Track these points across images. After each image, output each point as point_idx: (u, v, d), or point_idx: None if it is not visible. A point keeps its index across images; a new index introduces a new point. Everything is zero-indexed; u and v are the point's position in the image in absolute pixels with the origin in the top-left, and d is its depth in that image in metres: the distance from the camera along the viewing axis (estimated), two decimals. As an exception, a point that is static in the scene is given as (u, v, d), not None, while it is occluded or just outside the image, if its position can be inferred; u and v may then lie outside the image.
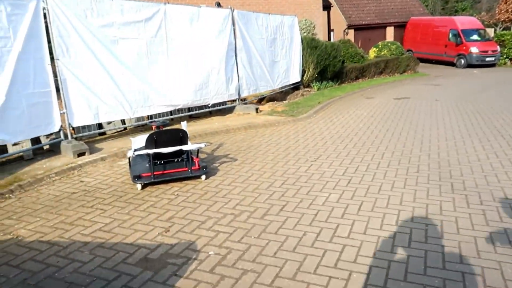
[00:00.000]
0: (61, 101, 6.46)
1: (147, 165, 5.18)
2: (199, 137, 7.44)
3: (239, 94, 9.77)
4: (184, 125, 5.66)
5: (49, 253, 3.47)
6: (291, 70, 12.60)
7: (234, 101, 10.01)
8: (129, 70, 7.22)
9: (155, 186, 4.99)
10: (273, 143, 6.95)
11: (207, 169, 5.24)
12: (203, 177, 5.18)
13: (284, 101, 11.83)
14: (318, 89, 13.72)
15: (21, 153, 6.19)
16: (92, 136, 7.37)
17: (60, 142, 6.47)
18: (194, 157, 5.27)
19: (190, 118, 9.16)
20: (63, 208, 4.44)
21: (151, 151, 4.84)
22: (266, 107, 10.65)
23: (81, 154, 6.26)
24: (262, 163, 5.84)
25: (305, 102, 11.20)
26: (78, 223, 4.05)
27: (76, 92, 6.55)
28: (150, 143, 4.88)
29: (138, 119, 7.91)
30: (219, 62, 9.01)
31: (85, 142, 6.70)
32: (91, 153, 6.38)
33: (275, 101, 11.73)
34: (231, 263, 3.23)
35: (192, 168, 5.13)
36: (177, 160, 5.21)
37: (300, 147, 6.63)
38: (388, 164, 5.60)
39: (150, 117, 8.12)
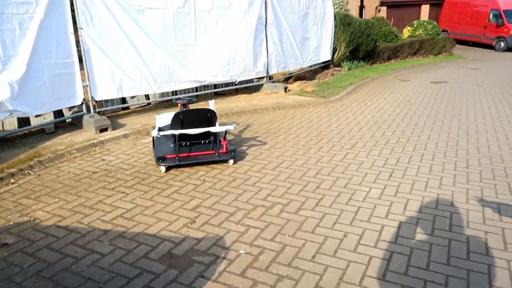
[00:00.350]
0: (83, 73, 6.16)
1: (172, 146, 4.85)
2: (225, 116, 7.06)
3: (267, 72, 9.29)
4: (212, 104, 5.28)
5: (66, 240, 3.20)
6: (321, 48, 11.96)
7: (261, 78, 9.55)
8: (155, 43, 6.83)
9: (180, 169, 4.66)
10: (304, 127, 6.51)
11: (235, 153, 4.87)
12: (231, 161, 4.82)
13: (313, 81, 11.28)
14: (349, 69, 13.06)
15: (42, 126, 5.95)
16: (114, 111, 7.08)
17: (82, 116, 6.20)
18: (222, 140, 4.90)
19: (216, 95, 8.78)
20: (83, 189, 4.17)
21: (177, 132, 4.49)
22: (294, 86, 10.15)
23: (103, 129, 5.98)
24: (294, 148, 5.43)
25: (336, 83, 10.63)
26: (98, 207, 3.77)
27: (99, 63, 6.22)
28: (176, 123, 4.53)
29: (163, 94, 7.57)
30: (248, 37, 8.51)
31: (107, 117, 6.42)
32: (113, 128, 6.09)
33: (304, 80, 11.19)
34: (264, 266, 2.88)
35: (220, 151, 4.77)
36: (204, 142, 4.85)
37: (334, 133, 6.17)
38: (433, 156, 5.11)
39: (174, 93, 7.77)
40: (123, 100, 7.09)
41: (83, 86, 6.09)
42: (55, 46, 5.61)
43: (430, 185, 4.25)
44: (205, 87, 8.15)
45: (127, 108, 7.36)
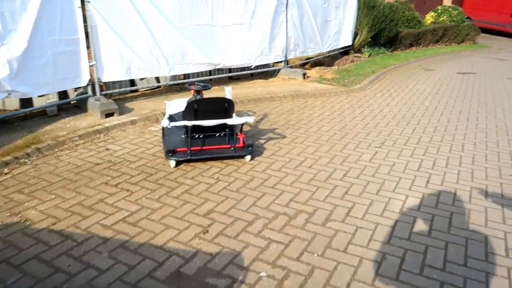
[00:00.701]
0: (90, 52, 5.67)
1: (183, 137, 4.38)
2: (240, 104, 6.55)
3: (285, 56, 8.71)
4: (228, 92, 4.77)
5: (60, 250, 2.77)
6: (342, 32, 11.30)
7: (277, 63, 8.97)
8: (168, 21, 6.29)
9: (191, 164, 4.20)
10: (326, 119, 5.98)
11: (253, 148, 4.39)
12: (248, 157, 4.34)
13: (332, 67, 10.67)
14: (370, 55, 12.38)
15: (44, 108, 5.51)
16: (122, 93, 6.60)
17: (87, 98, 5.73)
18: (238, 132, 4.41)
19: (230, 79, 8.25)
20: (83, 184, 3.73)
21: (189, 123, 4.01)
22: (313, 72, 9.56)
23: (109, 114, 5.52)
24: (316, 144, 4.92)
25: (357, 70, 10.01)
26: (99, 207, 3.33)
27: (107, 42, 5.71)
28: (189, 112, 4.04)
29: (174, 77, 7.06)
30: (267, 18, 7.92)
31: (114, 100, 5.95)
32: (120, 113, 5.63)
33: (322, 66, 10.59)
34: (291, 296, 2.43)
35: (236, 145, 4.29)
36: (219, 135, 4.36)
37: (359, 127, 5.64)
38: (473, 160, 4.58)
39: (186, 76, 7.26)
40: (132, 82, 6.60)
41: (89, 66, 5.61)
42: (59, 21, 5.11)
43: (475, 196, 3.73)
44: (219, 70, 7.61)
45: (136, 90, 6.87)
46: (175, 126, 4.51)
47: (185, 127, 4.11)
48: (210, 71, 7.47)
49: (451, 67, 11.48)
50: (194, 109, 4.00)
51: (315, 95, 7.38)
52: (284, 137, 5.13)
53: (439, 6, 18.48)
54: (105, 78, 5.84)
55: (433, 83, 9.08)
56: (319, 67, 10.45)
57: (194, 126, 4.07)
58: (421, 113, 6.49)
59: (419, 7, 23.71)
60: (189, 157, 4.12)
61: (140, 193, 3.58)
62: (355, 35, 12.03)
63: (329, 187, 3.81)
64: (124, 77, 6.03)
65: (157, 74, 6.52)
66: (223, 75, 7.78)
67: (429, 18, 17.87)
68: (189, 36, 6.65)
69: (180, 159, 4.13)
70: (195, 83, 4.71)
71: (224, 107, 4.11)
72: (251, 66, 8.00)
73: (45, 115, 5.49)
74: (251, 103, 6.70)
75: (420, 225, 3.21)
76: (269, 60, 8.36)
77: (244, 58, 7.73)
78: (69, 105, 5.97)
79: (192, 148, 4.17)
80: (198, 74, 7.25)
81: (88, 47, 5.63)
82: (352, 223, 3.21)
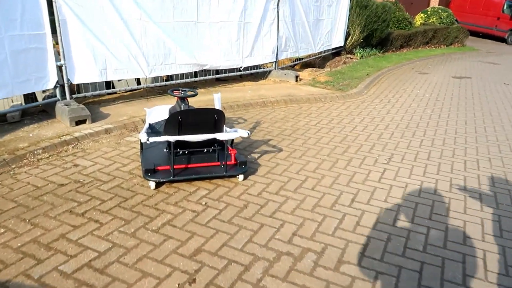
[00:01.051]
0: (58, 49, 4.97)
1: (166, 153, 3.76)
2: (229, 109, 5.94)
3: (276, 57, 8.13)
4: (217, 99, 4.16)
5: (1, 313, 2.12)
6: (335, 32, 10.80)
7: (267, 64, 8.37)
8: (148, 16, 5.63)
9: (174, 185, 3.58)
10: (324, 128, 5.43)
11: (246, 167, 3.79)
12: (241, 177, 3.74)
13: (324, 69, 10.15)
14: (361, 56, 11.92)
15: (4, 114, 4.79)
16: (97, 95, 5.90)
17: (55, 102, 5.03)
18: (229, 147, 3.80)
19: (217, 81, 7.62)
20: (42, 212, 3.07)
21: (172, 138, 3.38)
22: (305, 74, 9.01)
23: (80, 121, 4.83)
24: (317, 159, 4.36)
25: (350, 72, 9.51)
26: (59, 246, 2.68)
27: (78, 38, 5.02)
28: (172, 125, 3.41)
29: (156, 78, 6.39)
30: (256, 15, 7.32)
31: (88, 104, 5.27)
32: (93, 120, 4.95)
33: (313, 68, 10.05)
34: None
35: (227, 163, 3.68)
36: (207, 151, 3.75)
37: (361, 138, 5.11)
38: (492, 180, 4.08)
39: (169, 77, 6.60)
40: (109, 83, 5.90)
41: (57, 66, 4.91)
42: (20, 12, 4.41)
43: (505, 223, 3.23)
44: (206, 72, 6.97)
45: (114, 93, 6.18)
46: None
47: (168, 142, 3.49)
48: (195, 72, 6.82)
49: (445, 71, 11.10)
50: (178, 122, 3.37)
51: (310, 100, 6.82)
52: (280, 150, 4.55)
53: (428, 8, 18.22)
54: (76, 80, 5.15)
55: (431, 87, 8.64)
56: (311, 68, 9.91)
57: (178, 142, 3.45)
58: (425, 122, 6.00)
59: (406, 8, 23.46)
60: (172, 178, 3.49)
61: (112, 225, 2.95)
62: (347, 35, 11.55)
63: (337, 215, 3.25)
64: (98, 78, 5.34)
65: (136, 76, 5.85)
66: (210, 77, 7.14)
67: (419, 19, 17.56)
68: (172, 34, 6.00)
69: (162, 180, 3.50)
70: (179, 88, 4.09)
71: (214, 119, 3.49)
72: (240, 67, 7.39)
73: (5, 122, 4.77)
74: (241, 109, 6.09)
75: (452, 267, 2.67)
76: (259, 61, 7.76)
77: (232, 59, 7.12)
78: (35, 109, 5.26)
79: (175, 166, 3.55)
80: (182, 76, 6.60)
81: (56, 44, 4.94)
82: (371, 266, 2.65)
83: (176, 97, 4.05)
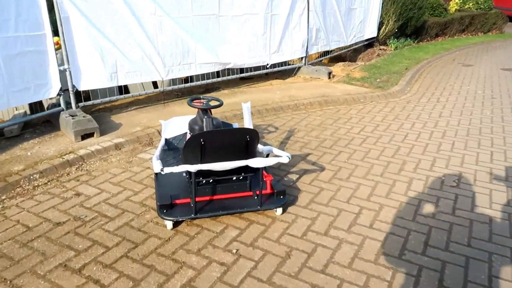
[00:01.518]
0: (61, 53, 4.32)
1: (185, 179, 3.04)
2: (257, 114, 5.19)
3: (306, 52, 7.31)
4: (246, 110, 3.42)
5: None
6: (367, 22, 9.87)
7: (294, 60, 7.56)
8: (163, 10, 4.91)
9: (196, 222, 2.86)
10: (370, 137, 4.61)
11: (286, 198, 3.03)
12: (279, 210, 2.99)
13: (356, 62, 9.25)
14: (396, 48, 10.94)
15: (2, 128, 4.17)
16: (107, 102, 5.23)
17: (59, 112, 4.38)
18: (264, 173, 3.04)
19: (241, 80, 6.86)
20: (29, 267, 2.40)
21: (193, 168, 2.64)
22: (338, 70, 8.14)
23: (87, 135, 4.17)
24: (368, 181, 3.56)
25: (387, 66, 8.60)
26: (45, 325, 2.00)
27: (84, 37, 4.35)
28: (193, 149, 2.68)
29: (173, 81, 5.67)
30: (284, 6, 6.51)
31: (97, 111, 4.63)
32: (102, 132, 4.29)
33: (345, 62, 9.16)
34: None
35: (262, 192, 2.92)
36: (237, 178, 3.00)
37: (417, 151, 4.27)
38: None
39: (188, 78, 5.87)
40: (121, 87, 5.22)
41: (60, 71, 4.25)
42: (14, 11, 3.75)
43: None
44: (229, 71, 6.21)
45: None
46: (173, 157, 3.22)
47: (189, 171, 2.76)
48: (217, 72, 6.08)
49: (490, 62, 10.03)
50: (201, 145, 2.63)
51: (348, 101, 5.99)
52: (322, 168, 3.77)
53: (464, -8, 16.90)
54: (83, 86, 4.48)
55: (480, 82, 7.66)
56: (342, 62, 9.02)
57: (200, 171, 2.72)
58: (487, 127, 5.09)
59: (438, -8, 22.04)
60: (193, 215, 2.76)
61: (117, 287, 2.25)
62: (380, 25, 10.58)
63: (411, 270, 2.46)
64: (108, 83, 4.66)
65: (151, 79, 5.15)
66: (234, 76, 6.37)
67: (454, 5, 16.28)
68: (191, 30, 5.26)
69: (181, 219, 2.78)
70: (201, 97, 3.37)
71: (245, 142, 2.74)
72: (267, 64, 6.61)
73: (2, 136, 4.14)
74: (270, 114, 5.32)
75: None
76: (288, 56, 6.96)
77: (258, 55, 6.34)
78: (39, 119, 4.63)
79: (198, 199, 2.82)
80: (203, 76, 5.87)
81: (58, 46, 4.28)
82: None
83: (197, 108, 3.33)
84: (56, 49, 4.26)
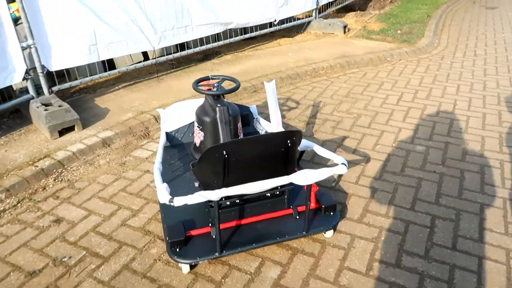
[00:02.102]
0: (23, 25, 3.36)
1: (204, 203, 2.24)
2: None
3: (317, 2, 6.28)
4: (271, 92, 2.59)
5: None
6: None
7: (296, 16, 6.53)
8: (149, -40, 3.88)
9: (222, 259, 2.10)
10: (414, 109, 3.79)
11: (338, 216, 2.25)
12: (329, 232, 2.22)
13: (369, 11, 8.19)
14: (408, -9, 9.78)
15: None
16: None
17: (29, 101, 3.50)
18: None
19: (244, 42, 5.88)
20: None
21: (215, 195, 1.80)
22: (351, 22, 7.14)
23: (66, 129, 3.32)
24: (430, 175, 2.78)
25: (404, 14, 7.60)
26: None
27: (51, 2, 3.37)
28: (212, 165, 1.86)
29: (167, 49, 4.71)
30: None
31: (77, 92, 3.75)
32: (85, 124, 3.44)
33: (355, 12, 8.10)
34: None
35: (308, 215, 2.13)
36: (272, 194, 2.19)
37: (475, 123, 3.47)
38: None
39: (184, 45, 4.90)
40: (104, 62, 4.28)
41: (23, 48, 3.32)
42: None
43: None
44: (230, 32, 5.23)
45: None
46: (179, 158, 2.47)
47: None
48: (216, 35, 5.10)
49: (514, 3, 9.00)
50: (224, 160, 1.81)
51: (373, 61, 5.10)
52: (367, 158, 2.98)
53: None
54: (55, 66, 3.57)
55: (515, 28, 6.73)
56: (354, 12, 7.99)
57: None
58: (546, 86, 4.27)
59: None
60: (217, 254, 1.99)
61: None
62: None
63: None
64: (86, 59, 3.74)
65: (140, 49, 4.21)
66: (236, 39, 5.39)
67: None
68: (185, -16, 4.25)
69: (200, 261, 2.00)
70: (210, 77, 2.53)
71: (286, 148, 1.92)
72: (275, 21, 5.62)
73: (-41, 137, 3.29)
74: (286, 83, 4.45)
75: None
76: (299, 9, 5.96)
77: (265, 11, 5.34)
78: (5, 112, 3.73)
79: (222, 226, 2.05)
80: (202, 41, 4.90)
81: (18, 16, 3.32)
82: None
83: (205, 93, 2.49)
84: (15, 20, 3.31)
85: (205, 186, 1.97)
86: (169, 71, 4.75)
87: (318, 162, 2.91)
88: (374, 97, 4.08)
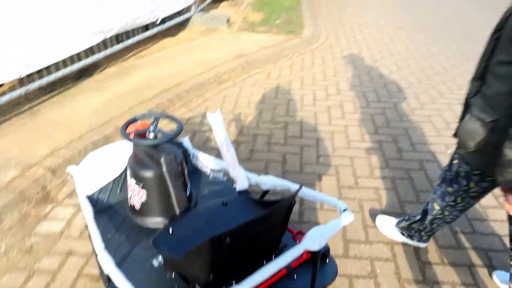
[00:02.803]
0: None
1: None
2: (176, 101, 3.79)
3: (195, -5, 5.82)
4: (217, 123, 2.17)
5: None
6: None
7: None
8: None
9: None
10: (333, 108, 3.73)
11: (335, 265, 1.98)
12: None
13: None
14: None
15: None
16: None
17: None
18: (291, 229, 1.91)
19: (125, 50, 5.09)
20: None
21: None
22: (230, 12, 6.83)
23: None
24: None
25: (275, 0, 7.62)
26: None
27: None
28: (206, 258, 1.39)
29: (40, 74, 3.72)
30: None
31: None
32: None
33: (229, 0, 7.82)
34: None
35: (296, 264, 1.81)
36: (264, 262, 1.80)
37: (418, 108, 3.58)
38: None
39: (61, 63, 3.96)
40: None
41: None
42: None
43: None
44: (108, 42, 4.44)
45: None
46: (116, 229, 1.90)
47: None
48: (92, 47, 4.26)
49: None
50: (227, 248, 1.37)
51: (270, 58, 4.92)
52: (319, 176, 2.79)
53: None
54: None
55: (379, 10, 7.32)
56: (226, 2, 7.68)
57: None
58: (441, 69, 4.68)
59: None
60: None
61: None
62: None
63: None
64: None
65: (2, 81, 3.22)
66: (114, 48, 4.57)
67: None
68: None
69: None
70: (137, 118, 2.01)
71: (289, 211, 1.56)
72: (157, 20, 4.99)
73: None
74: (193, 96, 3.97)
75: None
76: (182, 3, 5.39)
77: (147, 10, 4.67)
78: None
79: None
80: (78, 57, 4.01)
81: None
82: None
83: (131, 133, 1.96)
84: None
85: (191, 278, 1.50)
86: (42, 98, 3.80)
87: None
88: (290, 100, 3.91)
